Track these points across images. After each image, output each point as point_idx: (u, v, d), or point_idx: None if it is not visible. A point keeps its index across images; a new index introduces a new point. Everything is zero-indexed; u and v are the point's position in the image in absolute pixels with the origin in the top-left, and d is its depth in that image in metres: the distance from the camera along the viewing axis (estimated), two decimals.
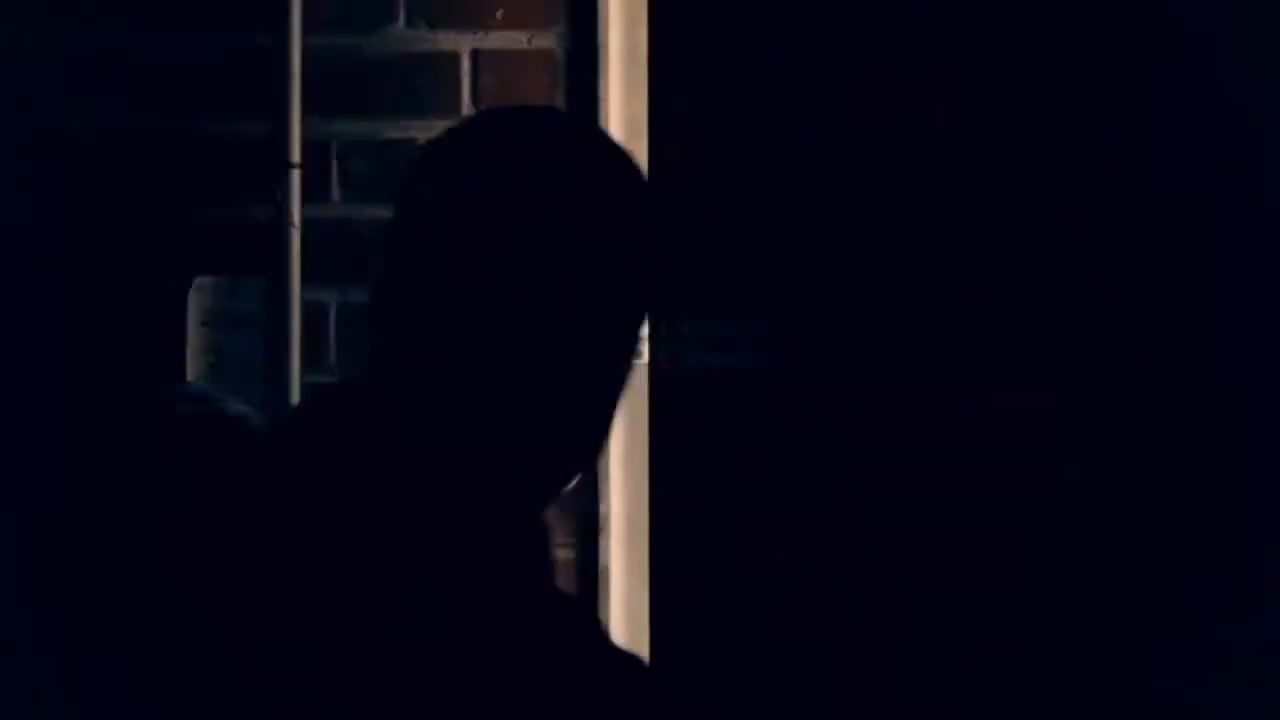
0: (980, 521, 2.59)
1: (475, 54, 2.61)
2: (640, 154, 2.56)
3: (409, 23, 2.62)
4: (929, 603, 2.63)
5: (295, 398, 2.63)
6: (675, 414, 2.52)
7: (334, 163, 2.64)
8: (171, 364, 2.66)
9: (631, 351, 1.53)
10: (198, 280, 2.65)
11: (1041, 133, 2.60)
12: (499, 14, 2.60)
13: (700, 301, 2.45)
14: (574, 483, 1.57)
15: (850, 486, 2.53)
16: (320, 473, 1.48)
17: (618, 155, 1.54)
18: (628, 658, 1.44)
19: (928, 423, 2.54)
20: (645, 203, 1.53)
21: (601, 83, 2.55)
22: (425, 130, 2.61)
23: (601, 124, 2.55)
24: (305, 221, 2.64)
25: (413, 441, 1.47)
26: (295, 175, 2.63)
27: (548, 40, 2.58)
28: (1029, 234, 2.58)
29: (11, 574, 1.51)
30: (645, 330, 1.63)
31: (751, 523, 2.55)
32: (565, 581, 2.58)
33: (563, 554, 2.58)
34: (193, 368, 2.66)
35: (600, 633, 1.45)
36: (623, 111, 2.56)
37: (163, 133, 2.67)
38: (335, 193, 2.64)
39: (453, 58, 2.61)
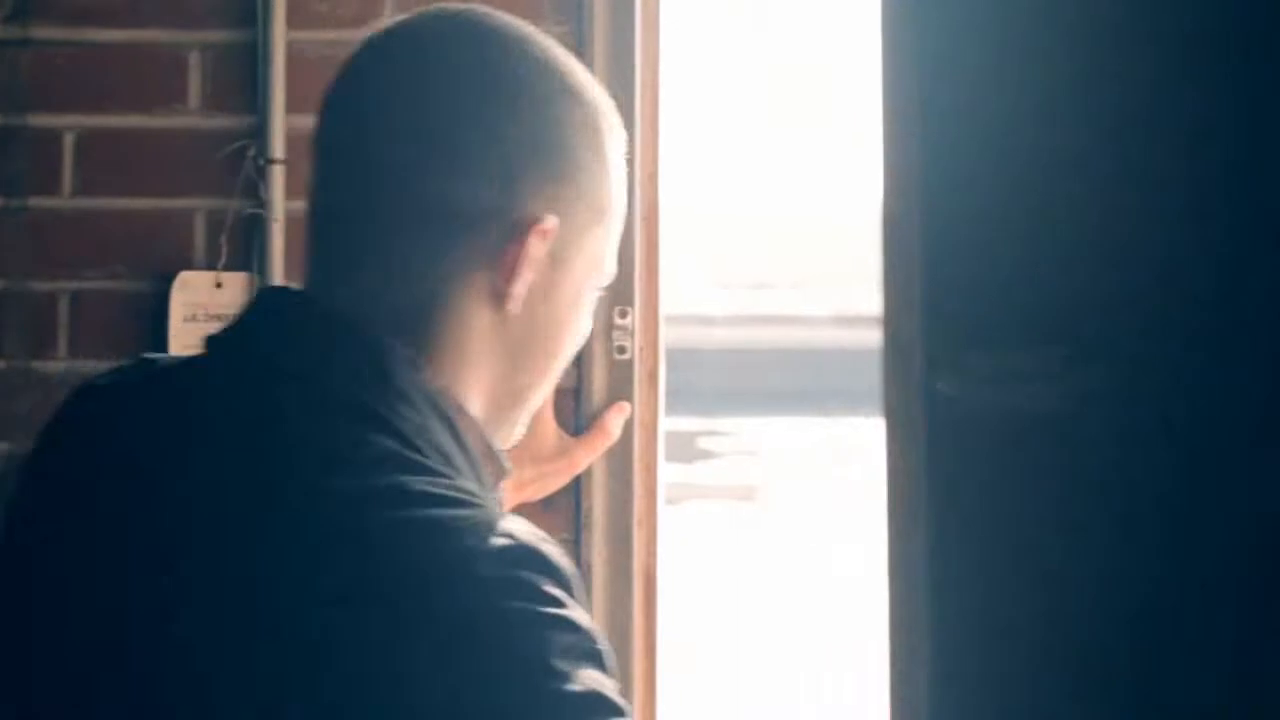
0: None
1: None
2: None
3: (392, 15, 2.62)
4: None
5: None
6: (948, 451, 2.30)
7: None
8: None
9: None
10: (181, 275, 2.65)
11: None
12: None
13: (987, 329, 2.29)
14: None
15: None
16: None
17: None
18: None
19: None
20: None
21: (589, 71, 2.55)
22: None
23: None
24: (289, 216, 2.64)
25: None
26: (278, 171, 2.64)
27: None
28: None
29: None
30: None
31: None
32: None
33: None
34: None
35: None
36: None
37: (145, 126, 2.67)
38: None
39: None
